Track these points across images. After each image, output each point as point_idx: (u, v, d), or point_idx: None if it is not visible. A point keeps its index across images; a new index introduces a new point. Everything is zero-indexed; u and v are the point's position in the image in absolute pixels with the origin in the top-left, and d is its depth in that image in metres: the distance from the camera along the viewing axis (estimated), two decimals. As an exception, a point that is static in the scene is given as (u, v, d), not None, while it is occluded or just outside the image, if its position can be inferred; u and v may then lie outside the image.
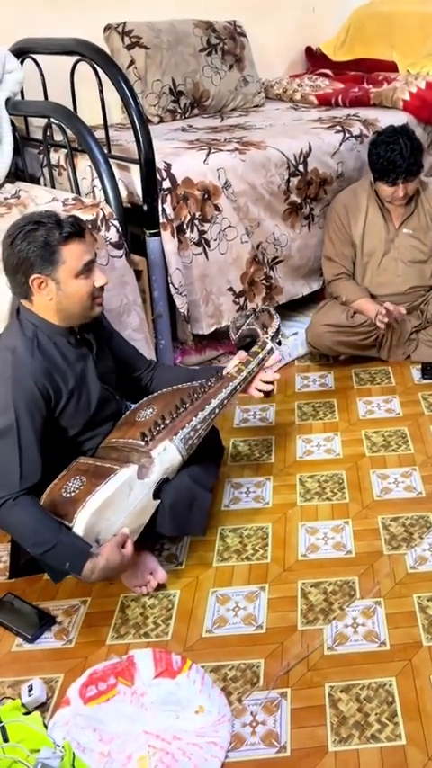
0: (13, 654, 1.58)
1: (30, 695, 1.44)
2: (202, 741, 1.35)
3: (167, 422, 1.68)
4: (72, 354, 1.64)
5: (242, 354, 1.86)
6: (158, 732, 1.36)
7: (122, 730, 1.36)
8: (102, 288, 1.62)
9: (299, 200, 2.66)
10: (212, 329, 2.49)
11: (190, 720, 1.38)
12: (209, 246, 2.40)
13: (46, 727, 1.37)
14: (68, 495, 1.53)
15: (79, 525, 1.48)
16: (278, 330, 1.94)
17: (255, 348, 1.86)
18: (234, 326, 1.96)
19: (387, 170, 2.40)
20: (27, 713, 1.38)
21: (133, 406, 1.80)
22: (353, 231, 2.60)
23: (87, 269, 1.58)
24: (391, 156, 2.38)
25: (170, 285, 2.30)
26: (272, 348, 1.87)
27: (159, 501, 1.65)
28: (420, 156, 2.43)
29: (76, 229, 1.56)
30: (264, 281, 2.62)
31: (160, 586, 1.71)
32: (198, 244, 2.36)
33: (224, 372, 1.83)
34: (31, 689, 1.45)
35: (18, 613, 1.65)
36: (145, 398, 1.78)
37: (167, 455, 1.64)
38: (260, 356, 1.84)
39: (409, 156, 2.38)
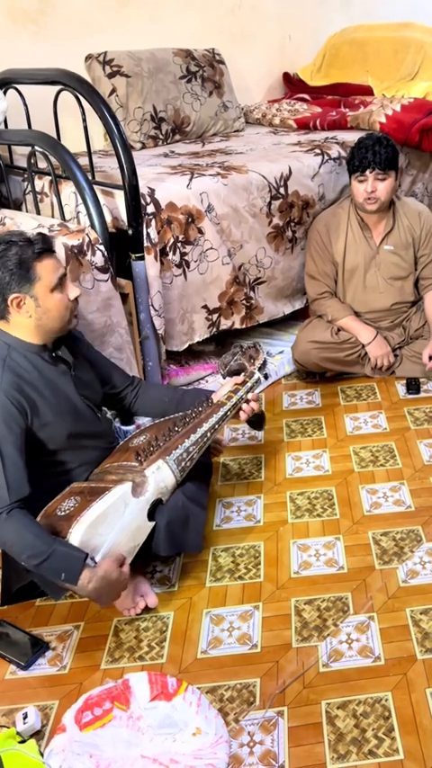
0: (6, 682, 1.56)
1: (25, 723, 1.42)
2: (200, 763, 1.34)
3: (161, 443, 1.72)
4: (48, 370, 1.65)
5: (232, 380, 1.92)
6: (156, 756, 1.35)
7: (119, 755, 1.35)
8: (76, 300, 1.67)
9: (282, 224, 2.70)
10: (185, 346, 2.54)
11: (187, 743, 1.37)
12: (188, 267, 2.43)
13: (42, 754, 1.36)
14: (63, 513, 1.54)
15: (74, 540, 1.48)
16: (264, 363, 2.03)
17: (243, 377, 1.93)
18: (222, 363, 2.05)
19: (359, 161, 2.47)
20: (22, 741, 1.37)
21: (124, 427, 1.82)
22: (334, 249, 2.64)
23: (61, 283, 1.63)
24: (363, 148, 2.47)
25: (151, 307, 2.32)
26: (259, 378, 1.97)
27: (155, 522, 1.65)
28: (393, 155, 2.49)
29: (47, 245, 1.61)
30: (244, 301, 2.66)
31: (152, 609, 1.71)
32: (179, 265, 2.39)
33: (214, 399, 1.88)
34: (25, 716, 1.44)
35: (11, 641, 1.64)
36: (137, 430, 1.83)
37: (161, 474, 1.66)
38: (248, 384, 1.93)
39: (381, 148, 2.45)
